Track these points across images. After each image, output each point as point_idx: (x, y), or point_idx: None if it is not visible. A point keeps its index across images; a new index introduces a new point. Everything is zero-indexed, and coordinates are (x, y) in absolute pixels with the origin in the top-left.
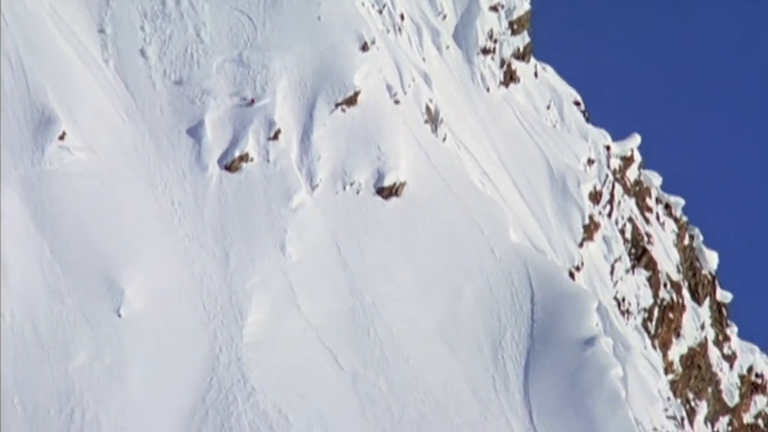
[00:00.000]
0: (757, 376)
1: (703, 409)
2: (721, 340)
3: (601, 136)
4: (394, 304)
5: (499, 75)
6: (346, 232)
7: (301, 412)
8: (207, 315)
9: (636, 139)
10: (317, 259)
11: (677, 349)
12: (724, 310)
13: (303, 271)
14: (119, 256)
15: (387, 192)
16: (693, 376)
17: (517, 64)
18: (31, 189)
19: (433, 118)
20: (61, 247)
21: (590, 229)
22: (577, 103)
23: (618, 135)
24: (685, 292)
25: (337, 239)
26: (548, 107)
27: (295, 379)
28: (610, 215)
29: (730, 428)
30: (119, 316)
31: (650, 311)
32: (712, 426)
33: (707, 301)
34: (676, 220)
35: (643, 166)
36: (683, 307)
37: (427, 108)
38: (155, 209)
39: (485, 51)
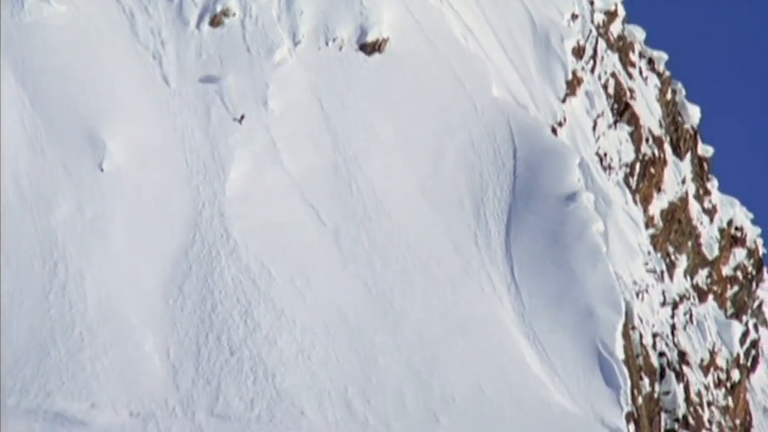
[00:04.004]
0: (736, 229)
1: (682, 262)
2: (701, 194)
3: None
4: (376, 160)
5: None
6: (328, 88)
7: (283, 266)
8: (189, 170)
9: None
10: (299, 114)
11: (658, 204)
12: (705, 165)
13: (285, 127)
14: (101, 109)
15: (369, 48)
16: (673, 230)
17: None
18: (10, 42)
19: None
20: (42, 100)
21: (573, 84)
22: None
23: None
24: (667, 147)
25: (320, 95)
26: None
27: (278, 234)
28: (593, 70)
29: (709, 280)
30: (101, 170)
31: (632, 166)
32: (692, 279)
33: (689, 156)
34: (659, 75)
35: (627, 20)
36: (665, 161)
37: None
38: (136, 63)
39: None
